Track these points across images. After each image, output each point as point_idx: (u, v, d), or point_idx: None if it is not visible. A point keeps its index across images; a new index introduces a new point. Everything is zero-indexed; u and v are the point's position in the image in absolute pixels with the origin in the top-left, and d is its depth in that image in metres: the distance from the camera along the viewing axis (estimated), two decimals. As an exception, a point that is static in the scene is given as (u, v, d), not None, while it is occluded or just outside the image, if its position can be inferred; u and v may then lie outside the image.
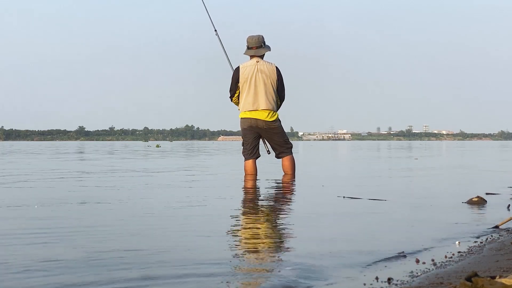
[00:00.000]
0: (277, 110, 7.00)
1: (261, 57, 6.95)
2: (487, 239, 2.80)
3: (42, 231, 2.91)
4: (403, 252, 2.44)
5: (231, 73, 7.20)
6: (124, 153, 19.56)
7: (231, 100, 7.10)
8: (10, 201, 4.33)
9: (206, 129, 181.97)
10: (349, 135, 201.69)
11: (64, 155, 16.50)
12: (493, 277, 1.81)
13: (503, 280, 1.71)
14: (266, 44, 7.00)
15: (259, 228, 3.08)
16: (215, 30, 7.62)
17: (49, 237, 2.75)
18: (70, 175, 7.32)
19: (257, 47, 6.92)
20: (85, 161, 12.62)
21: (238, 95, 6.99)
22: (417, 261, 2.29)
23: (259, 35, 6.95)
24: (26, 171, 8.14)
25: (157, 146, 35.13)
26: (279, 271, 2.09)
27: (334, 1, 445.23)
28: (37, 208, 3.83)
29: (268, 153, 7.24)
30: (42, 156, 15.49)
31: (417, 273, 2.10)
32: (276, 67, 6.93)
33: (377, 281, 1.99)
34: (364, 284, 1.95)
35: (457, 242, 2.67)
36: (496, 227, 3.08)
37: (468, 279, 1.71)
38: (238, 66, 6.98)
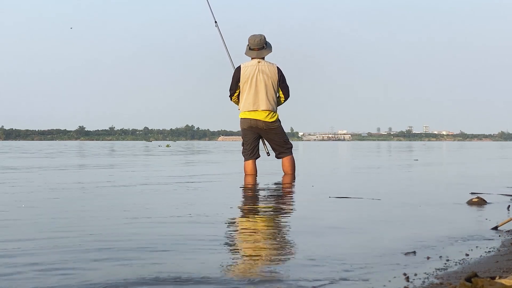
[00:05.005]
0: (278, 106, 7.00)
1: (263, 57, 6.94)
2: (487, 239, 2.79)
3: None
4: (401, 252, 2.44)
5: (231, 66, 7.19)
6: (153, 151, 19.64)
7: (231, 99, 7.09)
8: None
9: (206, 129, 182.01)
10: (349, 135, 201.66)
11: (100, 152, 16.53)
12: (493, 278, 1.81)
13: (503, 281, 1.71)
14: (268, 44, 6.98)
15: (259, 230, 3.08)
16: (215, 22, 7.59)
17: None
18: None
19: (259, 48, 6.90)
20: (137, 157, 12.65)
21: (238, 95, 6.99)
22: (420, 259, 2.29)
23: (261, 35, 6.92)
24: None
25: (167, 146, 37.79)
26: (292, 274, 2.09)
27: (334, 0, 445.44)
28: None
29: (268, 155, 7.24)
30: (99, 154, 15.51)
31: (417, 273, 2.10)
32: (278, 68, 6.93)
33: (380, 280, 1.99)
34: (388, 284, 1.95)
35: (455, 242, 2.67)
36: (496, 227, 3.08)
37: (468, 279, 1.71)
38: (239, 66, 6.96)
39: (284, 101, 7.05)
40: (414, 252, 2.45)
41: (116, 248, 2.46)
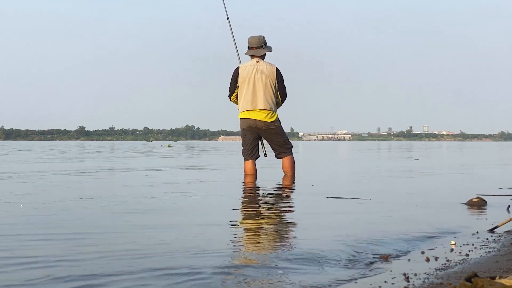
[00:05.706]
0: (277, 108, 7.00)
1: (262, 57, 6.95)
2: (487, 239, 2.80)
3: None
4: (401, 252, 2.44)
5: (238, 62, 7.19)
6: (162, 151, 19.62)
7: (230, 99, 7.11)
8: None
9: (206, 129, 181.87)
10: (349, 135, 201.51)
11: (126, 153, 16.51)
12: (493, 278, 1.81)
13: (503, 281, 1.71)
14: (267, 44, 7.00)
15: (261, 228, 3.08)
16: (228, 18, 7.58)
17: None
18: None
19: (257, 47, 6.93)
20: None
21: (237, 95, 7.00)
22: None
23: (260, 36, 6.96)
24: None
25: (169, 146, 37.39)
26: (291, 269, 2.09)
27: (333, 1, 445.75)
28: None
29: (265, 156, 7.26)
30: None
31: (417, 273, 2.10)
32: (276, 68, 6.94)
33: (383, 280, 1.99)
34: (387, 283, 1.95)
35: (452, 242, 2.67)
36: (496, 228, 3.08)
37: (468, 279, 1.71)
38: (238, 66, 6.99)
39: (282, 102, 7.04)
40: (413, 252, 2.44)
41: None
